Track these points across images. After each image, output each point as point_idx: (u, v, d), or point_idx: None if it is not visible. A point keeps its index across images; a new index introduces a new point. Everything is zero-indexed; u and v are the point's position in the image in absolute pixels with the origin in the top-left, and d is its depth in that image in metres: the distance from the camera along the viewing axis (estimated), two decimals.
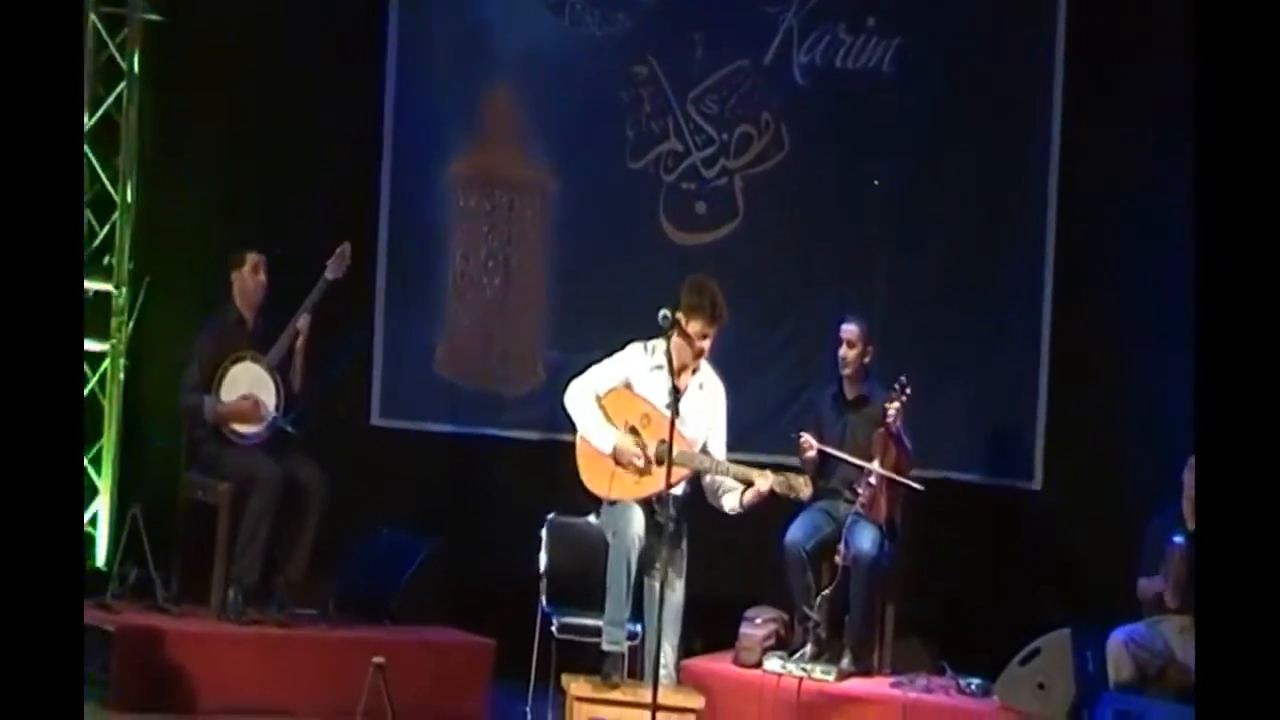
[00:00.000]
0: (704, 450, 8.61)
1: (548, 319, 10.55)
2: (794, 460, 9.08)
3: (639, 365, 8.65)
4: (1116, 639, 8.71)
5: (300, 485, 9.14)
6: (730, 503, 8.52)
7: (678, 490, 8.48)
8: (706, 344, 8.55)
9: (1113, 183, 10.10)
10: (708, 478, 8.57)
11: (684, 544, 8.60)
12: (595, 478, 8.60)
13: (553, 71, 10.54)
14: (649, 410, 8.57)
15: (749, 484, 8.40)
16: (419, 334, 10.53)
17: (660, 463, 8.30)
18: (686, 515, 8.62)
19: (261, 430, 9.20)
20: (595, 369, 8.70)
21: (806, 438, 8.98)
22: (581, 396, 8.63)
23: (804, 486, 8.45)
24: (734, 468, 8.50)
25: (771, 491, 8.39)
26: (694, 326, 8.47)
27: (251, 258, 9.35)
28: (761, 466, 8.50)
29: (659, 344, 8.53)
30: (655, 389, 8.57)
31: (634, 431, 8.58)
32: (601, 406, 8.62)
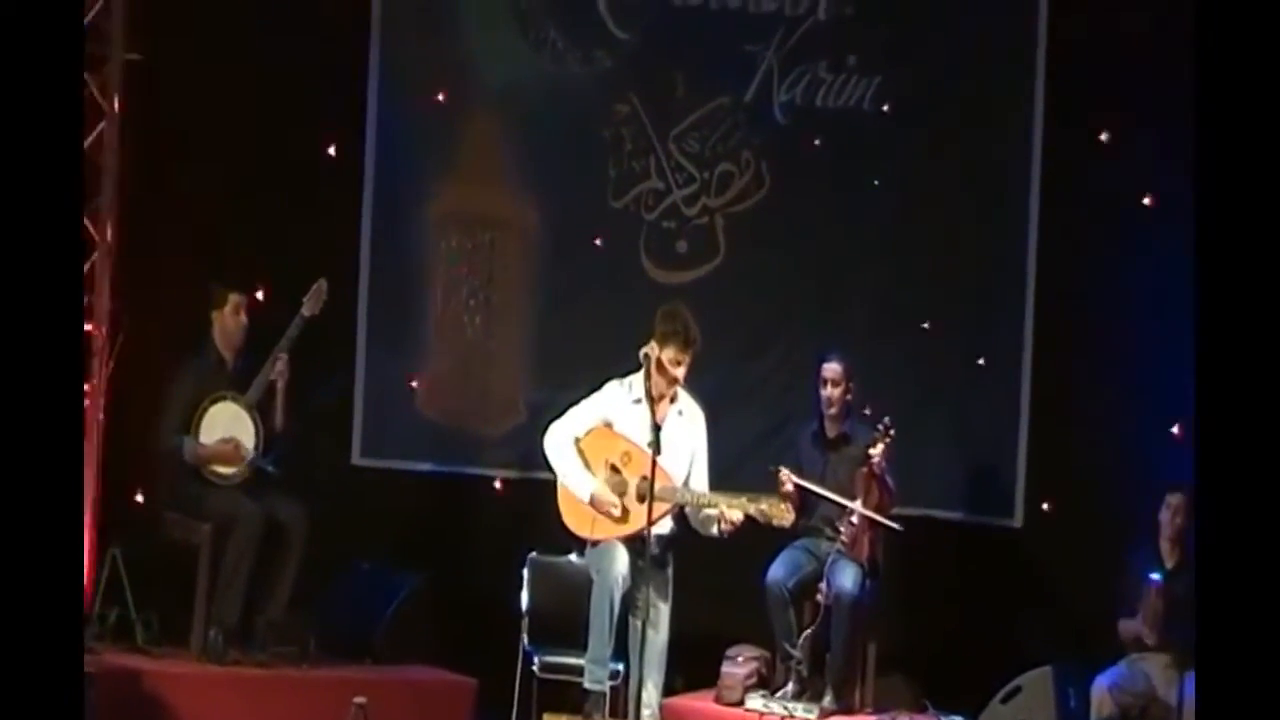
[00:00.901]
0: (688, 479, 8.62)
1: (529, 358, 10.54)
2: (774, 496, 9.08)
3: (618, 402, 8.67)
4: (1100, 684, 8.72)
5: (281, 525, 9.12)
6: (713, 529, 8.54)
7: (663, 529, 8.50)
8: (681, 371, 8.58)
9: (1096, 218, 10.12)
10: (695, 509, 8.59)
11: (669, 583, 8.60)
12: (577, 519, 8.62)
13: (534, 110, 10.55)
14: (629, 448, 8.59)
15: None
16: (400, 373, 10.51)
17: (643, 500, 8.32)
18: (673, 553, 8.63)
19: (242, 470, 9.18)
20: (573, 411, 8.72)
21: (784, 472, 8.98)
22: (560, 442, 8.67)
23: (785, 513, 8.48)
24: (717, 498, 8.51)
25: (751, 518, 8.42)
26: (668, 354, 8.51)
27: (233, 299, 9.34)
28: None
29: (636, 378, 8.58)
30: (635, 424, 8.59)
31: (615, 470, 8.60)
32: (580, 451, 8.65)
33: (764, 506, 8.46)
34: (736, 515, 8.42)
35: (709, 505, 8.51)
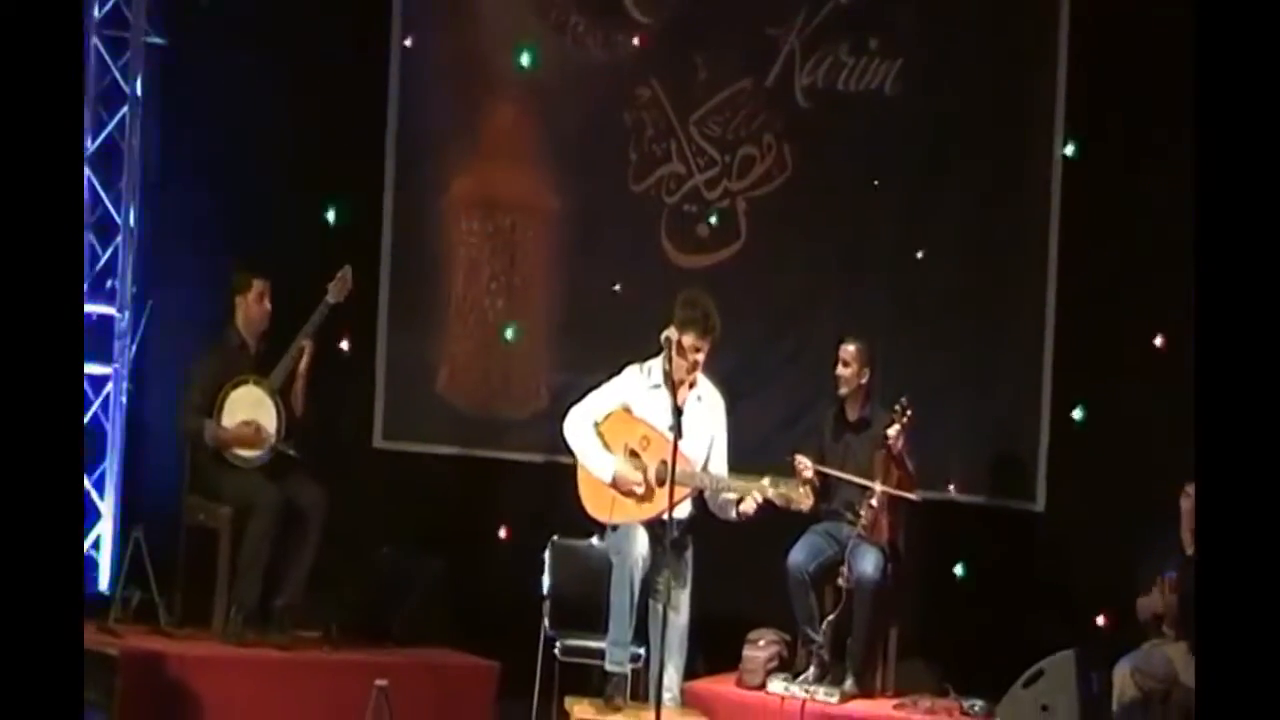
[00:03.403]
0: (707, 463, 8.63)
1: (550, 342, 10.55)
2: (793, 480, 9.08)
3: (637, 387, 8.69)
4: (1122, 668, 8.72)
5: (301, 508, 9.14)
6: (731, 513, 8.55)
7: (682, 512, 8.50)
8: (700, 357, 8.59)
9: (1115, 203, 10.09)
10: (713, 494, 8.59)
11: (689, 566, 8.61)
12: (597, 503, 8.63)
13: (555, 94, 10.55)
14: (648, 432, 8.60)
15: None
16: (421, 357, 10.53)
17: (662, 484, 8.34)
18: (692, 536, 8.64)
19: (263, 454, 9.20)
20: (592, 395, 8.74)
21: (801, 459, 8.97)
22: (579, 425, 8.69)
23: (804, 498, 8.48)
24: (734, 482, 8.52)
25: (770, 501, 8.43)
26: (688, 340, 8.53)
27: (257, 284, 9.33)
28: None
29: (655, 364, 8.61)
30: (654, 409, 8.61)
31: (634, 454, 8.61)
32: (600, 434, 8.67)
33: (783, 489, 8.47)
34: (754, 501, 8.42)
35: (727, 489, 8.52)
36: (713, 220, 10.46)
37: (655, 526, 8.43)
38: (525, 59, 10.47)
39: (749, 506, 8.46)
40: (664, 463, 8.34)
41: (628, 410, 8.69)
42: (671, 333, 8.51)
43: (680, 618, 8.52)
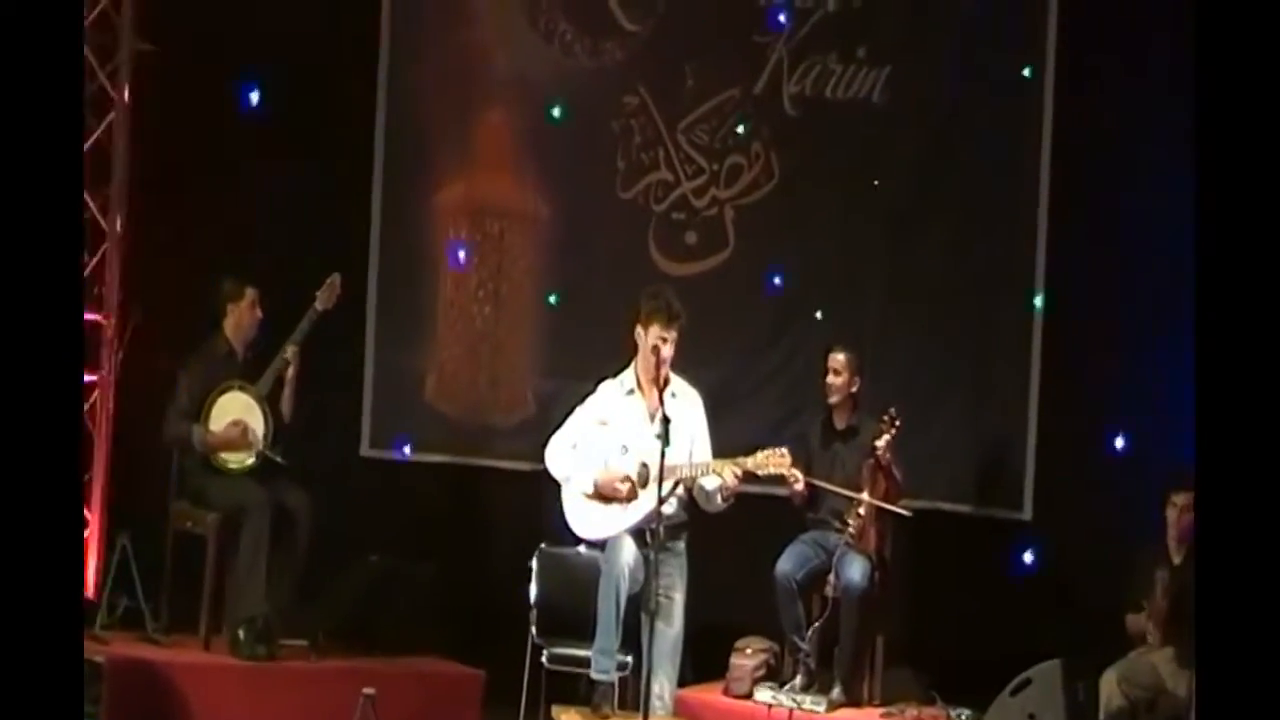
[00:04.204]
0: (690, 459, 8.60)
1: (537, 349, 10.55)
2: (783, 489, 9.07)
3: (611, 398, 8.69)
4: (1109, 677, 8.74)
5: (288, 513, 9.13)
6: (718, 500, 8.53)
7: (669, 512, 8.45)
8: (669, 349, 8.54)
9: (1103, 212, 10.08)
10: (696, 485, 8.56)
11: (683, 574, 8.57)
12: (584, 523, 8.63)
13: (544, 101, 10.55)
14: (626, 439, 8.60)
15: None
16: (409, 364, 10.53)
17: (644, 485, 8.34)
18: (684, 542, 8.60)
19: (251, 459, 9.18)
20: (569, 422, 8.75)
21: (792, 472, 8.96)
22: (558, 452, 8.72)
23: (782, 460, 8.46)
24: (714, 463, 8.50)
25: (750, 473, 8.41)
26: (654, 330, 8.52)
27: (250, 292, 9.34)
28: (752, 493, 8.54)
29: (627, 373, 8.63)
30: (631, 416, 8.62)
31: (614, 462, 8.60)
32: (579, 454, 8.64)
33: (759, 458, 8.45)
34: (734, 473, 8.40)
35: (704, 473, 8.48)
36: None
37: (643, 535, 8.41)
38: (514, 66, 10.50)
39: (730, 479, 8.42)
40: (644, 464, 8.36)
41: (604, 424, 8.68)
42: (638, 334, 8.53)
43: (672, 627, 8.48)
